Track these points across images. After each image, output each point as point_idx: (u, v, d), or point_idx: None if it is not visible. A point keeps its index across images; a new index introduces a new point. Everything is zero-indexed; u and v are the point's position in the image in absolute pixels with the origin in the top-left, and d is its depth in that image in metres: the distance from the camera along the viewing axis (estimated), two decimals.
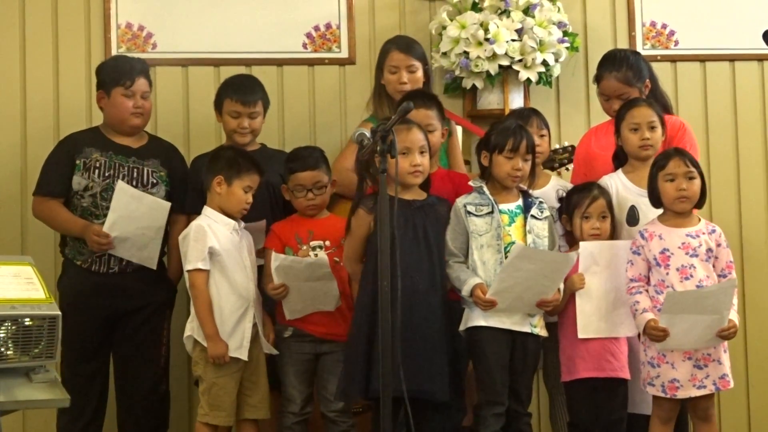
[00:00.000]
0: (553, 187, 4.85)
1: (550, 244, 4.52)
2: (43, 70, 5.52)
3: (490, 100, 5.61)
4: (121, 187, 4.80)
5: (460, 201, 4.48)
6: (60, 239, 5.06)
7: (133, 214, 4.77)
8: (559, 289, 4.46)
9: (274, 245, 4.73)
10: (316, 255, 4.70)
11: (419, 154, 4.44)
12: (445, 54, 5.56)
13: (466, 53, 5.50)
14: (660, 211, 4.56)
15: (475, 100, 5.65)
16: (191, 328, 4.61)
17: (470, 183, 4.54)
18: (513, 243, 4.42)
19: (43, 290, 3.66)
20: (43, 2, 5.55)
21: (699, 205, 4.53)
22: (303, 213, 4.81)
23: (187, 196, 5.01)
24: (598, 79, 5.09)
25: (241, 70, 5.56)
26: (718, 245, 4.50)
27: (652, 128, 4.70)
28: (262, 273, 4.75)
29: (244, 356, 4.58)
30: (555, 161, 5.23)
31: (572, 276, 4.49)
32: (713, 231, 4.52)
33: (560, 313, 4.57)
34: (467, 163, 5.27)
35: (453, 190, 4.61)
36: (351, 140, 4.83)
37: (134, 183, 4.93)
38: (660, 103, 4.92)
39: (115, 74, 4.97)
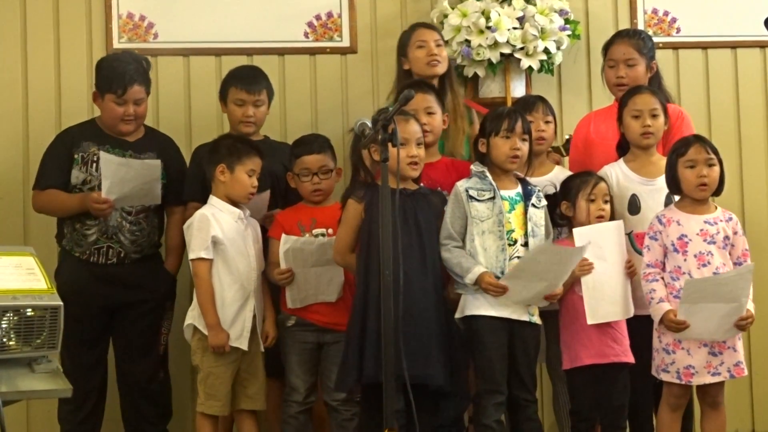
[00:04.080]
0: (554, 176, 4.84)
1: (546, 233, 4.53)
2: (44, 61, 5.52)
3: (491, 89, 5.60)
4: (105, 157, 4.81)
5: (461, 185, 4.47)
6: (57, 231, 5.07)
7: (125, 177, 4.78)
8: None
9: (277, 234, 4.73)
10: None
11: (416, 146, 4.44)
12: (446, 42, 5.53)
13: (467, 41, 5.49)
14: (661, 201, 4.57)
15: (477, 88, 5.64)
16: (192, 317, 4.63)
17: (471, 167, 4.53)
18: (513, 230, 4.42)
19: (45, 281, 3.66)
20: None
21: (717, 192, 4.52)
22: (308, 199, 4.81)
23: (185, 184, 5.02)
24: (607, 46, 5.11)
25: (243, 59, 5.56)
26: (735, 233, 4.50)
27: (653, 116, 4.69)
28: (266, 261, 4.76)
29: (245, 346, 4.59)
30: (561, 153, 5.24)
31: None
32: (730, 219, 4.52)
33: (560, 301, 4.57)
34: None
35: (458, 180, 4.58)
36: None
37: None
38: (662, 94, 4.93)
39: (108, 80, 4.94)
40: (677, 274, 4.44)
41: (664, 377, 4.45)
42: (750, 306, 4.39)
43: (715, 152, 4.49)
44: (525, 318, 4.43)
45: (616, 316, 4.53)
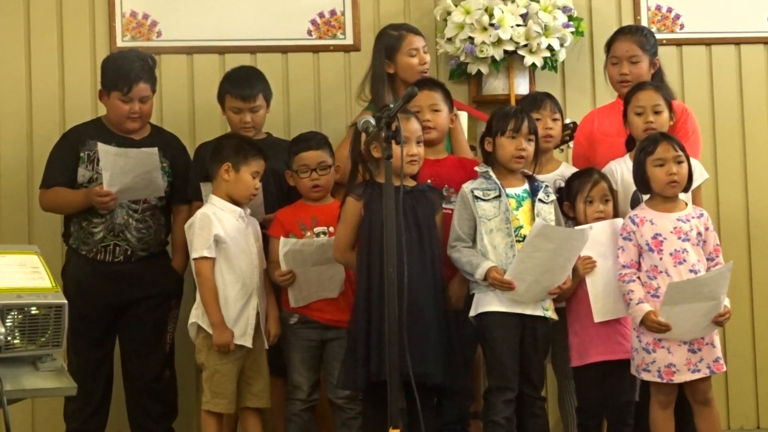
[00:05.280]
0: (560, 173, 4.84)
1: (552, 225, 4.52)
2: (47, 60, 5.52)
3: (495, 86, 5.60)
4: (103, 148, 4.81)
5: (467, 186, 4.47)
6: (63, 229, 5.08)
7: (124, 167, 4.78)
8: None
9: (277, 233, 4.73)
10: None
11: (416, 144, 4.44)
12: (450, 40, 5.55)
13: (471, 39, 5.49)
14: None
15: (481, 85, 5.65)
16: (196, 315, 4.62)
17: (476, 168, 4.54)
18: (521, 227, 4.43)
19: (49, 279, 3.67)
20: None
21: (686, 189, 4.53)
22: (307, 195, 4.81)
23: (189, 183, 5.02)
24: (610, 43, 5.10)
25: (246, 57, 5.56)
26: (707, 229, 4.50)
27: (656, 112, 4.69)
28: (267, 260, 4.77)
29: (249, 343, 4.59)
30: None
31: (577, 262, 4.49)
32: (701, 215, 4.52)
33: (568, 298, 4.58)
34: (473, 149, 5.26)
35: (466, 177, 4.59)
36: (350, 129, 4.84)
37: None
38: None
39: (114, 78, 4.95)
40: (654, 273, 4.43)
41: (645, 377, 4.44)
42: (726, 302, 4.39)
43: (682, 149, 4.49)
44: (539, 312, 4.42)
45: (622, 312, 4.52)
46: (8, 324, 3.48)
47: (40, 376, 3.56)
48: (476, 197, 4.44)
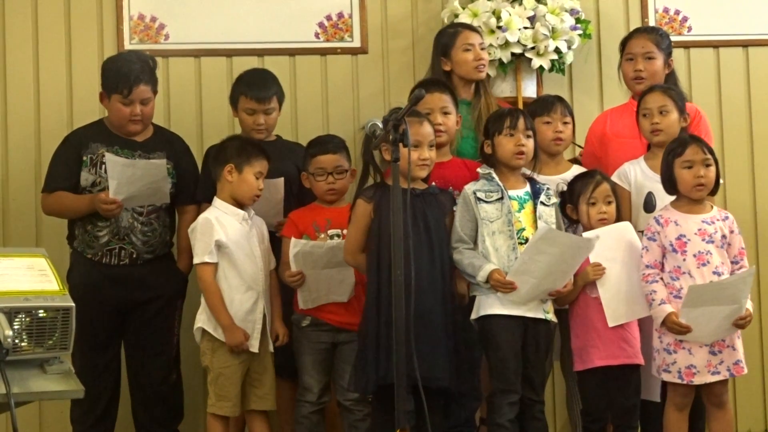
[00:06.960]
0: (571, 174, 4.83)
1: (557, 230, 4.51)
2: (55, 63, 5.53)
3: (502, 88, 5.59)
4: (111, 159, 4.81)
5: (469, 188, 4.48)
6: (68, 232, 5.07)
7: (132, 177, 4.78)
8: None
9: (291, 233, 4.74)
10: None
11: (428, 148, 4.45)
12: None
13: None
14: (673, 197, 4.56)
15: None
16: (201, 320, 4.62)
17: (478, 170, 4.54)
18: (523, 229, 4.42)
19: (57, 282, 3.67)
20: None
21: (713, 192, 4.53)
22: (323, 198, 4.82)
23: (199, 185, 5.03)
24: (625, 41, 5.13)
25: (254, 60, 5.57)
26: (731, 232, 4.51)
27: (662, 113, 4.71)
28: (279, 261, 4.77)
29: (255, 348, 4.59)
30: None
31: (585, 267, 4.48)
32: (726, 218, 4.53)
33: (571, 302, 4.57)
34: None
35: (471, 179, 4.60)
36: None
37: None
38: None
39: (114, 80, 4.93)
40: (677, 274, 4.44)
41: (665, 377, 4.45)
42: (749, 305, 4.39)
43: (711, 152, 4.50)
44: (540, 315, 4.42)
45: (635, 315, 4.53)
46: (16, 327, 3.48)
47: (48, 379, 3.56)
48: (479, 199, 4.44)
